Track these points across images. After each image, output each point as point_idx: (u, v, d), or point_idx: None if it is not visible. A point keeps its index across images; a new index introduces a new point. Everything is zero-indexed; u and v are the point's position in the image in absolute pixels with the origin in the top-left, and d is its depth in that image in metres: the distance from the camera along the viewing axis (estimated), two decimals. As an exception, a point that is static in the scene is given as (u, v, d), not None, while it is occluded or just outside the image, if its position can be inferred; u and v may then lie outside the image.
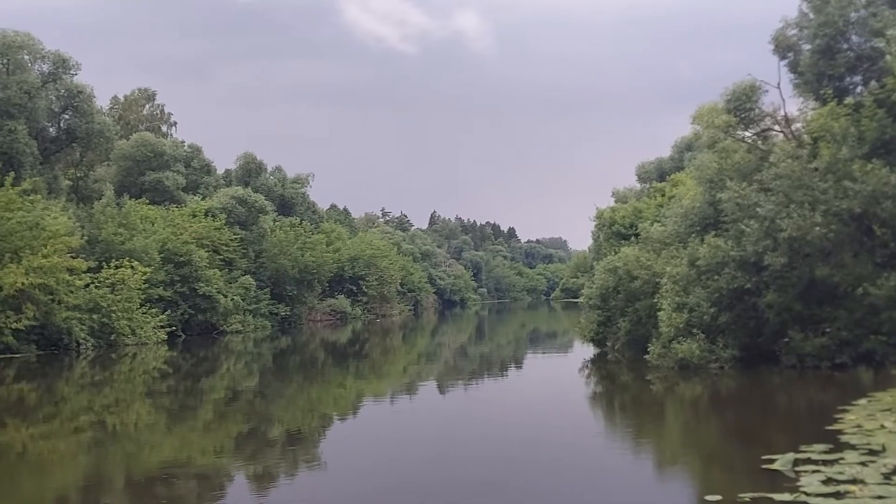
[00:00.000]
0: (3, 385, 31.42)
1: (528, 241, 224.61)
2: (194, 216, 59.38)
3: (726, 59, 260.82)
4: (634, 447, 17.72)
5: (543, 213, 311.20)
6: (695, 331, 28.47)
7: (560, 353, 47.97)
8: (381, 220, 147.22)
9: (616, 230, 45.82)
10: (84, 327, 42.89)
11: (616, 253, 36.44)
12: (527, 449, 17.08)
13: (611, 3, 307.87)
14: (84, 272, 42.24)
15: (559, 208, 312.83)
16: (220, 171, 79.90)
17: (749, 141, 31.14)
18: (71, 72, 49.75)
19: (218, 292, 55.79)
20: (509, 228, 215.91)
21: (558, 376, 33.71)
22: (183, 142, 75.31)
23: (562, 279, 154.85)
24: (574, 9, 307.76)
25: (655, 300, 31.01)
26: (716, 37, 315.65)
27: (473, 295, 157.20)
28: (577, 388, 28.74)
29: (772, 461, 13.72)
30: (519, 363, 41.58)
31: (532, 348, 53.12)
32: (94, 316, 43.70)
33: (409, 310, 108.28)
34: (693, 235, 30.77)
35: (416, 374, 37.33)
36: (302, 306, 72.56)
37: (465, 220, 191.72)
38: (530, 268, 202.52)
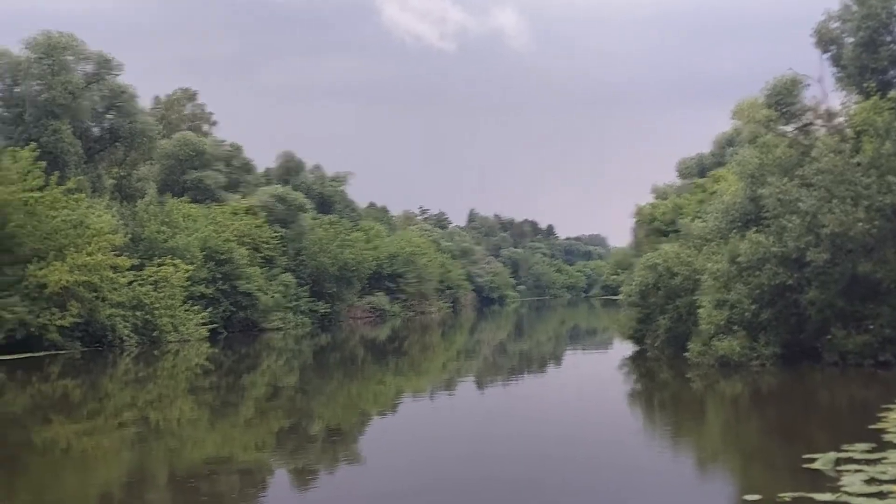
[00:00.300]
0: (48, 381, 32.01)
1: (568, 239, 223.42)
2: (235, 214, 60.00)
3: (769, 52, 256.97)
4: (673, 445, 17.61)
5: (583, 210, 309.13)
6: (735, 328, 28.19)
7: (600, 350, 47.78)
8: (420, 217, 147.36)
9: (656, 227, 45.47)
10: (127, 324, 43.52)
11: (656, 250, 36.17)
12: (564, 447, 17.04)
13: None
14: (127, 270, 42.93)
15: (599, 205, 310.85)
16: (261, 170, 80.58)
17: (790, 135, 30.72)
18: (114, 72, 50.44)
19: (258, 290, 56.31)
20: (548, 225, 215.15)
21: (597, 374, 33.57)
22: (224, 141, 76.06)
23: (601, 276, 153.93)
24: (612, 4, 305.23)
25: (695, 297, 30.75)
26: (758, 30, 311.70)
27: (512, 292, 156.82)
28: (616, 386, 28.58)
29: (813, 460, 13.56)
30: (558, 360, 41.47)
31: (571, 345, 52.96)
32: (138, 313, 44.32)
33: (448, 307, 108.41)
34: (734, 231, 30.44)
35: (455, 370, 37.39)
36: (341, 303, 72.99)
37: (504, 218, 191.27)
38: (569, 265, 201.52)
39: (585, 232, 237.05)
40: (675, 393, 26.29)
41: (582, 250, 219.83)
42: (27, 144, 42.18)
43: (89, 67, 50.00)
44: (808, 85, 30.24)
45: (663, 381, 29.52)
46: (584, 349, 49.64)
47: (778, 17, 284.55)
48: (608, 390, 27.23)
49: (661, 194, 58.03)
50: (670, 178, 64.04)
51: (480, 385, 31.22)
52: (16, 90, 47.71)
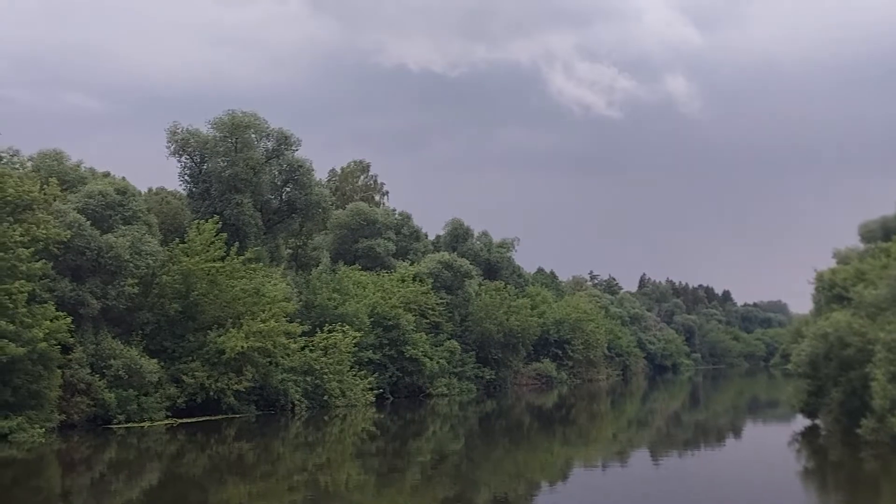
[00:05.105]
0: (225, 444, 33.37)
1: (745, 305, 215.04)
2: (403, 281, 61.15)
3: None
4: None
5: (761, 275, 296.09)
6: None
7: (779, 423, 45.53)
8: (589, 283, 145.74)
9: (837, 293, 43.10)
10: (299, 389, 44.83)
11: (827, 318, 34.23)
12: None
13: (823, 59, 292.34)
14: (299, 336, 44.26)
15: (778, 271, 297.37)
16: (431, 237, 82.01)
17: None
18: (292, 147, 52.70)
19: (424, 355, 56.90)
20: (724, 291, 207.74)
21: (769, 449, 32.04)
22: (394, 210, 78.05)
23: (781, 345, 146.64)
24: (785, 66, 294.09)
25: (869, 369, 28.78)
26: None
27: (686, 360, 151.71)
28: (788, 463, 27.21)
29: None
30: (734, 433, 39.88)
31: (749, 417, 50.74)
32: (308, 378, 45.61)
33: (618, 374, 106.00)
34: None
35: (626, 441, 36.61)
36: (507, 370, 72.73)
37: (677, 283, 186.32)
38: (747, 332, 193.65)
39: (764, 298, 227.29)
40: (850, 473, 24.66)
41: (760, 317, 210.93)
42: (212, 217, 44.65)
43: (270, 144, 52.45)
44: None
45: (835, 459, 27.88)
46: (763, 422, 47.45)
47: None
48: (780, 467, 25.94)
49: (842, 259, 55.06)
50: (853, 241, 60.78)
51: (653, 456, 30.35)
52: (204, 167, 50.67)
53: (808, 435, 33.84)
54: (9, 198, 32.50)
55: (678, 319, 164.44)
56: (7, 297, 30.51)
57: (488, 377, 68.28)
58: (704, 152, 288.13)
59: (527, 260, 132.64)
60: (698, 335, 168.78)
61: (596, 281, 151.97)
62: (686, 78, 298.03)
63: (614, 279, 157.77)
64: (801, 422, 37.37)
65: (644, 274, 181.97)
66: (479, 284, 71.92)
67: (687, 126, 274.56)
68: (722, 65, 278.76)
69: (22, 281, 31.09)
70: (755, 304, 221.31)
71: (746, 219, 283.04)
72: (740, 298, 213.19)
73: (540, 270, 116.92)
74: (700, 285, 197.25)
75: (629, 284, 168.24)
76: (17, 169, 37.20)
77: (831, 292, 43.68)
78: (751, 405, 62.96)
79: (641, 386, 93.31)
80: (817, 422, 35.40)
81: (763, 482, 23.04)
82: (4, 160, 37.54)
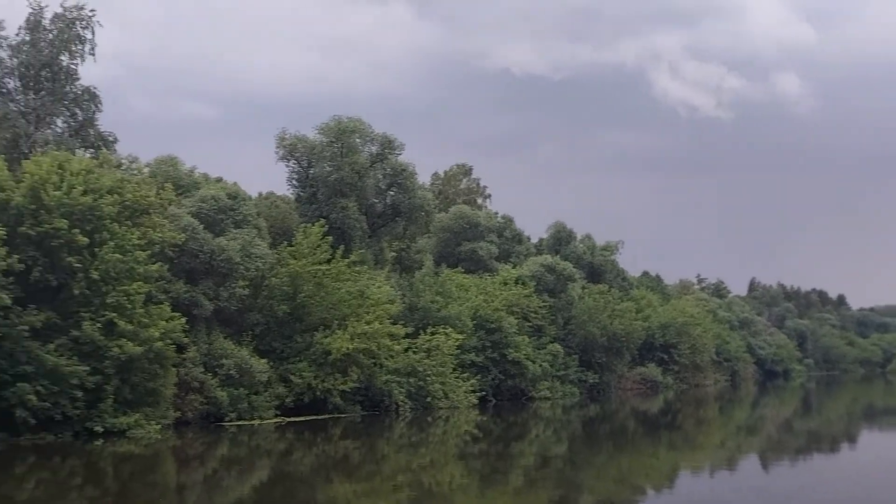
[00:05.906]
0: (331, 443, 34.04)
1: (861, 310, 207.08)
2: (505, 284, 61.09)
3: None
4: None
5: (877, 279, 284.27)
6: None
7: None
8: (697, 286, 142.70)
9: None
10: (402, 390, 45.30)
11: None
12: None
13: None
14: (403, 338, 44.67)
15: (895, 274, 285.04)
16: (534, 240, 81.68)
17: None
18: (396, 151, 53.37)
19: (527, 358, 56.75)
20: (838, 295, 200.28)
21: (889, 457, 30.80)
22: (496, 213, 78.03)
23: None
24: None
25: None
26: None
27: (798, 366, 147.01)
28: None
29: None
30: (849, 441, 38.48)
31: (864, 425, 48.88)
32: (411, 379, 46.03)
33: (726, 380, 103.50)
34: None
35: (734, 447, 35.82)
36: (611, 374, 71.79)
37: (788, 287, 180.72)
38: (863, 337, 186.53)
39: (881, 302, 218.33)
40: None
41: (877, 322, 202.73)
42: (318, 221, 45.54)
43: (374, 148, 53.19)
44: None
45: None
46: (879, 429, 45.64)
47: None
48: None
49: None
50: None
51: (763, 464, 29.61)
52: (310, 172, 51.76)
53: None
54: (127, 202, 33.98)
55: (790, 324, 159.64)
56: (126, 297, 31.83)
57: (592, 381, 67.59)
58: (817, 152, 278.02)
59: (632, 263, 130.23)
60: (811, 340, 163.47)
61: (703, 284, 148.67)
62: (799, 76, 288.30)
63: (723, 283, 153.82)
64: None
65: (754, 278, 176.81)
66: (583, 288, 71.29)
67: (799, 126, 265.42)
68: (837, 63, 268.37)
69: (139, 282, 32.41)
70: (871, 309, 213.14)
71: (862, 221, 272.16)
72: (856, 303, 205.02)
73: (645, 274, 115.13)
74: (813, 289, 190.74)
75: (738, 288, 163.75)
76: (136, 175, 38.77)
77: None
78: (866, 412, 60.64)
79: (751, 392, 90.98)
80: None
81: (878, 492, 22.22)
82: (124, 167, 39.20)
